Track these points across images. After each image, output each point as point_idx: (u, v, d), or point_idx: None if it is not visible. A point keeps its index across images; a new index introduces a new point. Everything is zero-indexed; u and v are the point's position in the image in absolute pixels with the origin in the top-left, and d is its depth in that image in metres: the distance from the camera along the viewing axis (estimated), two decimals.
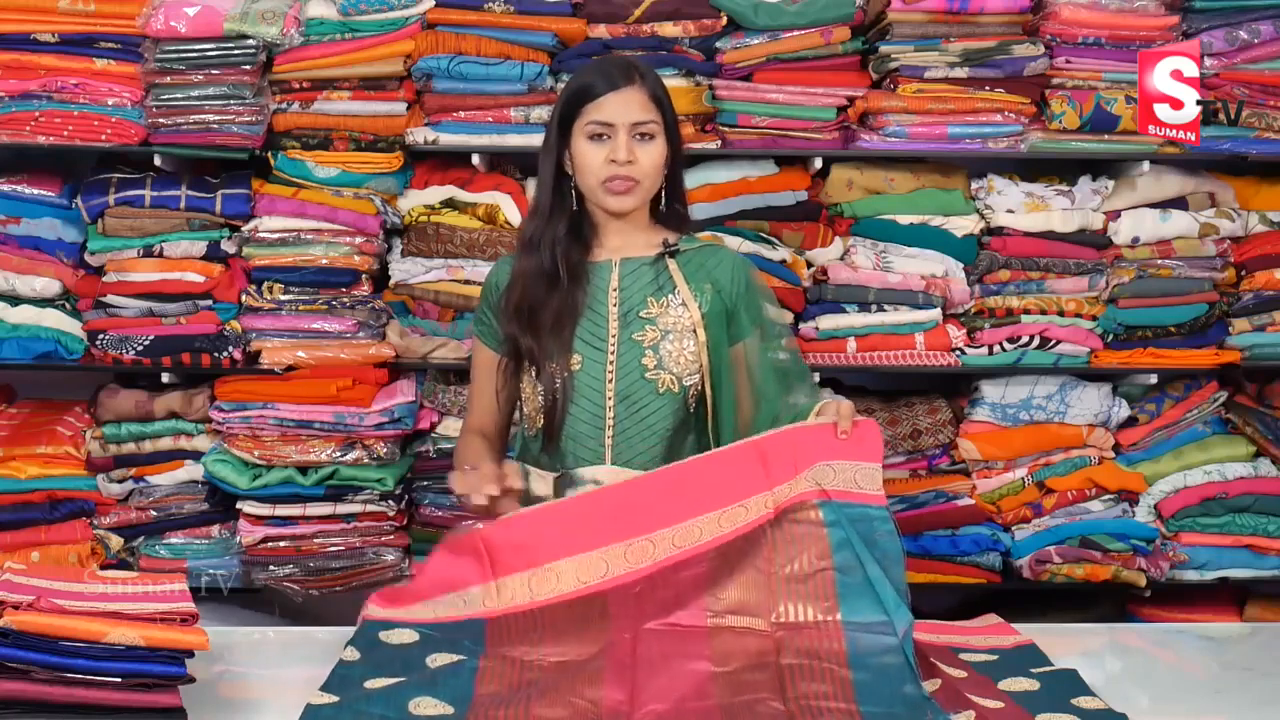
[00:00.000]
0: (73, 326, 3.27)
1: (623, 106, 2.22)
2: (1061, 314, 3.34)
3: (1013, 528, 3.36)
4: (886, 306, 3.32)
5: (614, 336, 2.26)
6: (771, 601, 1.96)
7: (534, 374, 2.26)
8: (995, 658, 2.04)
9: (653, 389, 2.25)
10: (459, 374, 3.33)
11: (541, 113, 3.24)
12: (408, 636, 1.94)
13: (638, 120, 2.22)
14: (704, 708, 1.77)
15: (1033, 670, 1.97)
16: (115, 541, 3.23)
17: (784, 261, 3.30)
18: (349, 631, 2.09)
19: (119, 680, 1.68)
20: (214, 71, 3.18)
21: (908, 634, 1.88)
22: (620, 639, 1.91)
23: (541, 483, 2.28)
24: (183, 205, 3.23)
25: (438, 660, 1.89)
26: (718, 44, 3.30)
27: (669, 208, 2.33)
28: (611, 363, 2.25)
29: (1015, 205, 3.34)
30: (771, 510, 2.01)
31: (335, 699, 1.75)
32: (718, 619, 1.96)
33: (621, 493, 2.10)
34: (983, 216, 3.37)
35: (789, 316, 3.29)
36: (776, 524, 2.01)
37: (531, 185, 3.31)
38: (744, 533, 2.02)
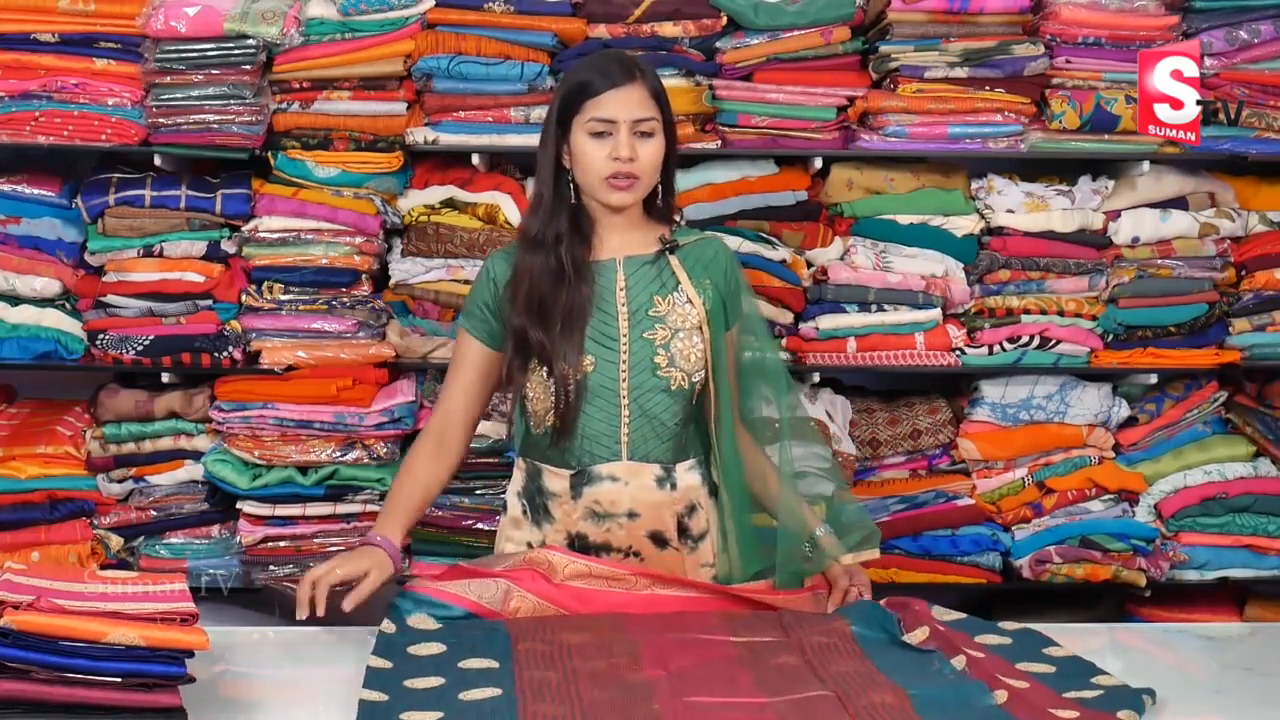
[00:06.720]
0: (73, 326, 3.26)
1: (624, 103, 2.22)
2: (1061, 314, 3.34)
3: (1013, 528, 3.36)
4: (886, 306, 3.32)
5: (625, 336, 2.25)
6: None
7: (544, 372, 2.25)
8: (1009, 641, 2.05)
9: (664, 387, 2.25)
10: None
11: (541, 112, 3.23)
12: (435, 649, 1.92)
13: (639, 117, 2.22)
14: (730, 673, 1.82)
15: (1044, 652, 1.99)
16: (115, 541, 3.23)
17: (784, 261, 3.30)
18: (348, 631, 2.10)
19: (119, 680, 1.68)
20: (214, 71, 3.18)
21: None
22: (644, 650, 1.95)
23: (556, 479, 2.27)
24: (183, 205, 3.23)
25: (469, 665, 1.87)
26: (718, 44, 3.30)
27: (664, 203, 2.34)
28: (624, 362, 2.25)
29: (1015, 205, 3.34)
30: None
31: (385, 697, 1.75)
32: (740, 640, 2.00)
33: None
34: (983, 216, 3.37)
35: (789, 316, 3.30)
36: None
37: (531, 185, 3.31)
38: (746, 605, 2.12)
